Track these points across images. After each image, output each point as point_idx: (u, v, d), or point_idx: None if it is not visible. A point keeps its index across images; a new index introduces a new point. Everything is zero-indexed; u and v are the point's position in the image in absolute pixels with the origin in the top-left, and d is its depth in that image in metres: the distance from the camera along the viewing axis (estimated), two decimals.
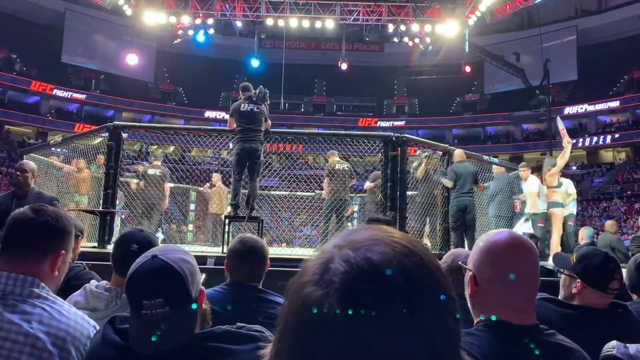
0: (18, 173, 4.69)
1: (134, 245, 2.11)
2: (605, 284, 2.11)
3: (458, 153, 7.87)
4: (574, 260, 2.23)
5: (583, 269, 2.17)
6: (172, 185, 10.03)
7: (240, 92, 6.87)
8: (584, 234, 8.15)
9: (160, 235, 8.58)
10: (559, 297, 2.24)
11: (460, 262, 1.53)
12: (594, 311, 2.08)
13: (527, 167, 8.35)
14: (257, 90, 6.79)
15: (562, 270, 2.27)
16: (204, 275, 1.45)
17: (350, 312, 0.52)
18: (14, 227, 1.57)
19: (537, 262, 1.39)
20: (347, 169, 8.32)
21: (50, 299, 1.51)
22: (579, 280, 2.15)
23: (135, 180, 8.66)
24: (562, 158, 7.92)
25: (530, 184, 8.08)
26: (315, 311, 0.53)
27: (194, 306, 1.34)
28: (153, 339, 1.27)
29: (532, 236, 7.57)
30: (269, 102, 6.94)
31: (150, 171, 8.65)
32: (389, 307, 0.52)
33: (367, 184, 8.57)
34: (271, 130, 7.25)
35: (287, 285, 0.60)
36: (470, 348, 1.23)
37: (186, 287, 1.33)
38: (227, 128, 7.09)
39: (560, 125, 8.41)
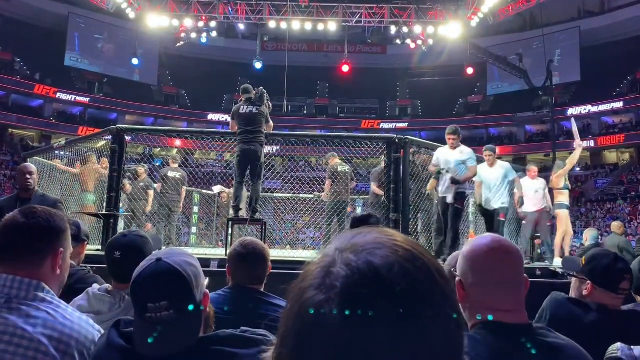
0: (28, 176, 4.63)
1: (116, 252, 2.12)
2: (616, 285, 2.11)
3: None
4: (583, 262, 2.23)
5: (592, 270, 2.17)
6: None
7: (241, 94, 6.90)
8: (589, 236, 8.12)
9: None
10: None
11: (451, 269, 1.53)
12: (611, 312, 2.08)
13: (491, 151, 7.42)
14: (255, 92, 6.79)
15: (571, 273, 2.27)
16: (207, 279, 1.45)
17: (351, 317, 0.51)
18: (6, 234, 1.53)
19: (519, 264, 1.40)
20: (348, 171, 8.34)
21: (54, 303, 1.50)
22: (589, 282, 2.15)
23: (129, 182, 8.69)
24: (571, 160, 8.07)
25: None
26: (317, 316, 0.53)
27: (198, 309, 1.35)
28: (150, 340, 1.27)
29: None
30: (269, 102, 6.91)
31: (171, 174, 8.71)
32: (391, 312, 0.52)
33: (374, 187, 8.44)
34: (274, 132, 7.25)
35: (288, 289, 0.59)
36: (470, 351, 1.23)
37: (191, 290, 1.33)
38: (229, 130, 7.12)
39: (574, 127, 8.53)
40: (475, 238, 1.47)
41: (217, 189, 10.85)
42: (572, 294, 2.25)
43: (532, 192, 8.13)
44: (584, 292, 2.16)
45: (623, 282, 2.11)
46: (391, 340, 0.51)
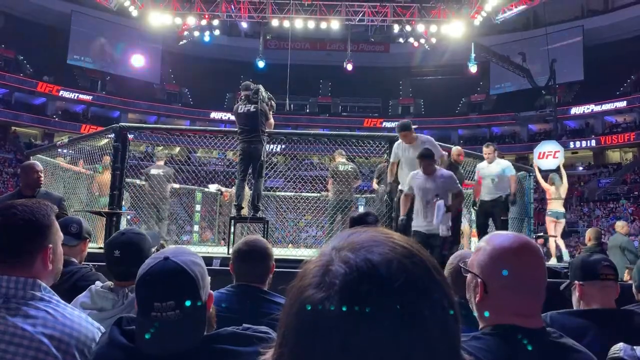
0: (41, 173, 4.63)
1: (115, 251, 2.13)
2: (595, 272, 2.15)
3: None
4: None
5: (573, 272, 2.24)
6: (177, 186, 10.00)
7: (241, 91, 6.86)
8: (592, 235, 8.11)
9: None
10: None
11: (461, 265, 1.49)
12: (609, 312, 2.08)
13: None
14: (251, 89, 6.73)
15: (568, 289, 2.29)
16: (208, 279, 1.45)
17: (351, 314, 0.52)
18: None
19: (545, 265, 1.37)
20: (351, 169, 8.31)
21: (53, 301, 1.48)
22: (575, 283, 2.20)
23: (146, 184, 8.67)
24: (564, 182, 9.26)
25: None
26: (317, 314, 0.53)
27: (203, 309, 1.35)
28: (146, 336, 1.27)
29: None
30: (271, 101, 6.81)
31: (154, 171, 8.65)
32: (390, 308, 0.52)
33: (374, 184, 8.45)
34: (277, 131, 7.21)
35: (287, 289, 0.60)
36: (479, 352, 1.22)
37: (197, 291, 1.32)
38: (232, 129, 7.10)
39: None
40: (495, 236, 1.38)
41: (213, 187, 10.80)
42: (575, 305, 2.26)
43: (488, 180, 7.23)
44: (577, 295, 2.19)
45: (602, 268, 2.15)
46: (391, 335, 0.52)
